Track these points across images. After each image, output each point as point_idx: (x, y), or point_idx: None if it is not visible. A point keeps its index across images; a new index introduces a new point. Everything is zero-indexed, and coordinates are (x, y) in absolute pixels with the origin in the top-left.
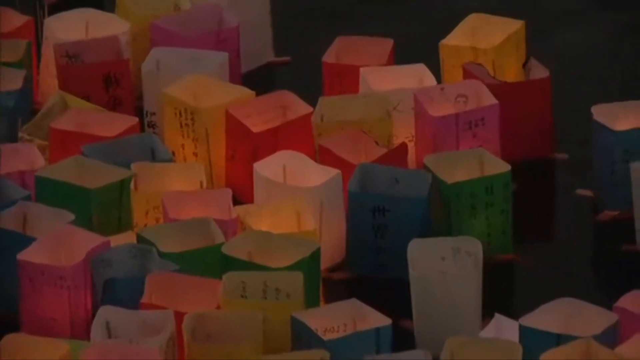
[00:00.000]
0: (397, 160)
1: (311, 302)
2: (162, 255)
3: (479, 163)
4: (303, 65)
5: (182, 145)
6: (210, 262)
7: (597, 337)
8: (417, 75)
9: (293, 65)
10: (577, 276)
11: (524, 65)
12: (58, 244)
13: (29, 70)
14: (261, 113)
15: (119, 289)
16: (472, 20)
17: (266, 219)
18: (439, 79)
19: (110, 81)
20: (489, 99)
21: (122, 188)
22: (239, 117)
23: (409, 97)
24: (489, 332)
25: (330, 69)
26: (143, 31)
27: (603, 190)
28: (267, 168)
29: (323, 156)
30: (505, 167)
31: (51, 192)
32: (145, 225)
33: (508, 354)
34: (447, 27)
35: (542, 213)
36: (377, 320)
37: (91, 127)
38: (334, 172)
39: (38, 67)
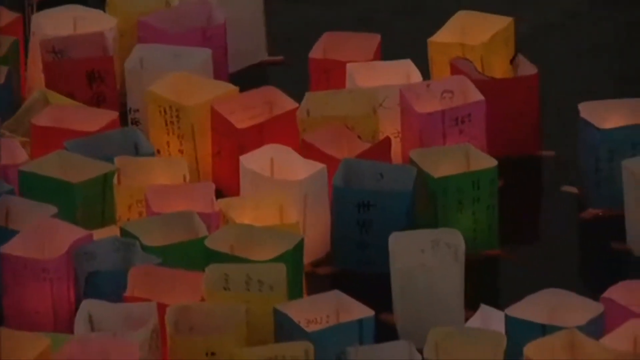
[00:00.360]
0: (380, 154)
1: (294, 295)
2: (145, 248)
3: (465, 158)
4: (296, 64)
5: (167, 143)
6: (193, 256)
7: (582, 328)
8: (403, 72)
9: (286, 65)
10: (562, 272)
11: (512, 61)
12: (41, 237)
13: (14, 67)
14: (247, 109)
15: (102, 282)
16: (461, 17)
17: (249, 212)
18: (426, 75)
19: (93, 78)
20: (476, 95)
21: (105, 182)
22: (224, 113)
23: (395, 93)
24: (474, 322)
25: (317, 64)
26: (131, 27)
27: (588, 188)
28: (254, 161)
29: (306, 151)
30: (492, 162)
31: (35, 187)
32: (129, 219)
33: (493, 344)
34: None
35: (528, 210)
36: (360, 311)
37: (72, 123)
38: (319, 166)
39: (26, 63)
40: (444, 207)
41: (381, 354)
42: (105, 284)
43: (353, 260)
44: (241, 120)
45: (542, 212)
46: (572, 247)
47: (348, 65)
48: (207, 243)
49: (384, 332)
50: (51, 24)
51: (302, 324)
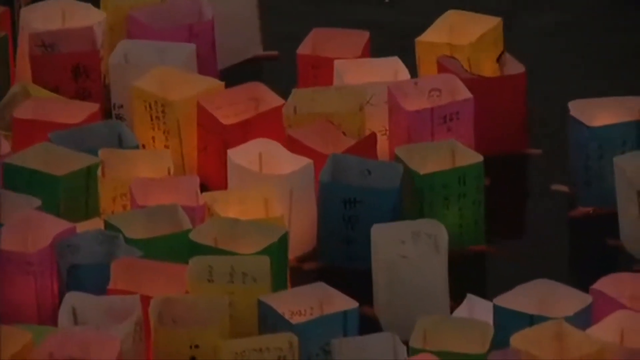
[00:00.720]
0: (366, 150)
1: (278, 288)
2: (128, 241)
3: (450, 154)
4: (291, 59)
5: (153, 138)
6: (177, 249)
7: (570, 319)
8: (391, 69)
9: (280, 60)
10: (551, 268)
11: (498, 59)
12: (24, 229)
13: (3, 61)
14: (232, 105)
15: (85, 275)
16: (450, 16)
17: (234, 206)
18: (414, 74)
19: (79, 72)
20: (464, 93)
21: (89, 175)
22: (209, 109)
23: (382, 90)
24: (461, 312)
25: (304, 60)
26: (121, 22)
27: (578, 187)
28: (241, 155)
29: (292, 146)
30: (477, 157)
31: (18, 179)
32: (113, 212)
33: (479, 333)
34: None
35: (516, 208)
36: (344, 303)
37: (53, 115)
38: (306, 161)
39: (14, 57)
40: (430, 204)
41: (366, 345)
42: (88, 277)
43: (339, 256)
44: (227, 116)
45: (531, 210)
46: (561, 244)
47: (336, 62)
48: (191, 236)
49: (366, 325)
50: (39, 18)
51: (286, 316)
